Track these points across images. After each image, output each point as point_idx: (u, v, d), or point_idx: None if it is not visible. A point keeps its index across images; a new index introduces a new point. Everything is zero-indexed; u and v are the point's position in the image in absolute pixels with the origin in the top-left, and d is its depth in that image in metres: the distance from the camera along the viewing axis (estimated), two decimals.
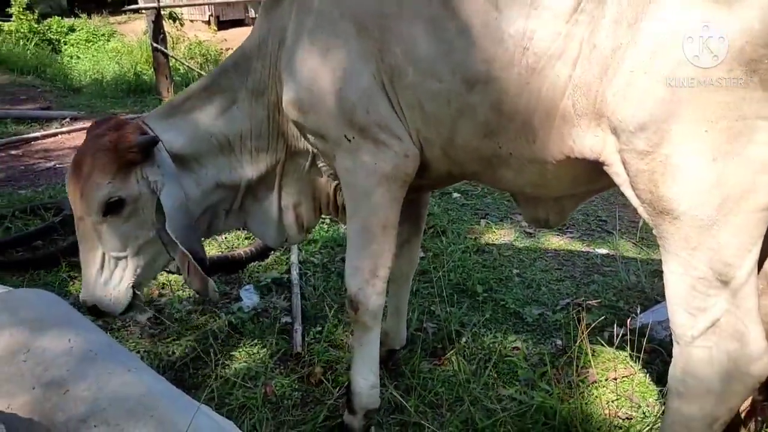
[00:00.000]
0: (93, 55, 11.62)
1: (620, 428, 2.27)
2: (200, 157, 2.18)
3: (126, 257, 2.11)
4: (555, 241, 3.98)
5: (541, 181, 1.84)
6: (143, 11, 7.36)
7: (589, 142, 1.60)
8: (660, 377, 2.51)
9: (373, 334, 2.15)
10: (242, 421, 2.31)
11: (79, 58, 11.65)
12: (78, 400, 1.40)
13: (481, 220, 4.30)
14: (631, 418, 2.34)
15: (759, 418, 1.92)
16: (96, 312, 2.13)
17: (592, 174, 1.72)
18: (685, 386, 1.60)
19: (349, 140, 1.89)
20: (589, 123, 1.58)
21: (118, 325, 2.97)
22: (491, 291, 3.28)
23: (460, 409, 2.37)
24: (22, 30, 11.52)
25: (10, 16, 11.87)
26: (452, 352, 2.66)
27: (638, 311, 2.90)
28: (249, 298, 3.17)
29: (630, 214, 4.25)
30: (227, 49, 10.71)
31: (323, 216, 2.60)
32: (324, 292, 3.24)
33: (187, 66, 8.74)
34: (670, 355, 1.66)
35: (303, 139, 2.16)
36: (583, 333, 2.33)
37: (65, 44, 12.35)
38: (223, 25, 14.32)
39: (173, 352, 2.76)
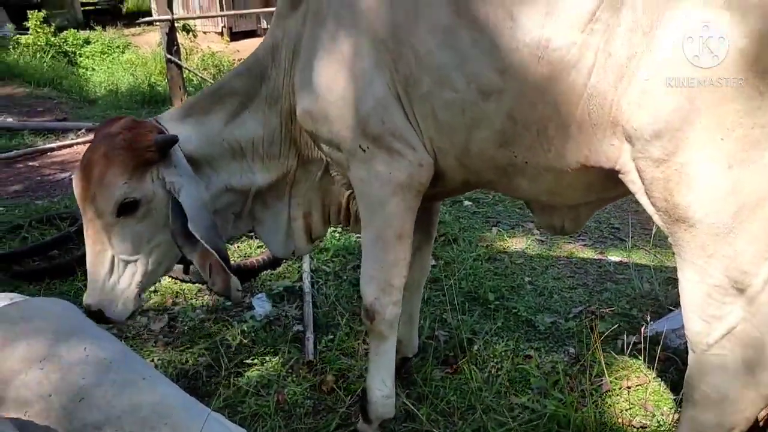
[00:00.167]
0: (108, 67, 11.78)
1: None
2: (212, 160, 2.16)
3: (136, 261, 2.06)
4: (567, 249, 3.96)
5: (556, 189, 1.83)
6: (157, 23, 7.45)
7: (604, 150, 1.60)
8: (674, 386, 2.49)
9: (389, 343, 2.15)
10: (255, 429, 2.31)
11: (94, 69, 11.81)
12: (93, 408, 1.42)
13: (493, 228, 4.29)
14: (646, 427, 2.32)
15: None
16: (99, 317, 2.03)
17: (608, 182, 1.72)
18: (700, 394, 1.59)
19: (364, 150, 1.89)
20: (604, 131, 1.57)
21: (132, 333, 2.99)
22: (503, 299, 3.27)
23: (472, 418, 2.36)
24: (38, 43, 11.69)
25: (28, 29, 12.08)
26: (464, 360, 2.65)
27: (651, 319, 2.88)
28: (261, 306, 3.18)
29: (643, 222, 4.22)
30: (239, 60, 10.79)
31: (333, 226, 2.59)
32: (336, 300, 3.24)
33: (201, 77, 8.83)
34: (684, 364, 1.64)
35: (315, 148, 2.16)
36: (596, 341, 2.32)
37: (81, 56, 12.53)
38: (235, 36, 14.47)
39: (186, 360, 2.78)
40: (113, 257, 2.02)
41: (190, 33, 10.54)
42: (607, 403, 2.44)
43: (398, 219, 1.95)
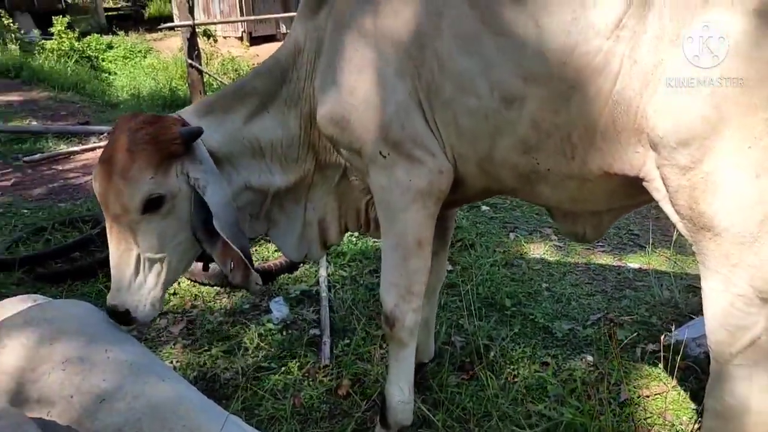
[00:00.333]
0: (130, 72, 11.97)
1: None
2: (232, 157, 2.13)
3: (162, 259, 2.00)
4: (586, 255, 3.93)
5: (579, 196, 1.82)
6: (178, 29, 7.56)
7: (628, 157, 1.59)
8: (694, 395, 2.45)
9: (408, 350, 2.15)
10: None
11: (116, 74, 12.02)
12: (113, 410, 1.44)
13: (510, 234, 4.27)
14: None
15: None
16: (124, 319, 1.95)
17: (631, 189, 1.70)
18: (723, 405, 1.57)
19: (384, 156, 1.89)
20: (629, 139, 1.56)
21: (152, 336, 3.03)
22: (520, 305, 3.25)
23: (488, 425, 2.34)
24: (63, 48, 11.93)
25: (53, 34, 12.32)
26: (480, 366, 2.64)
27: (672, 327, 2.84)
28: (278, 310, 3.20)
29: (663, 228, 4.16)
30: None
31: (349, 233, 2.57)
32: (352, 304, 3.25)
33: (221, 81, 8.93)
34: (705, 373, 1.62)
35: (333, 152, 2.16)
36: (614, 349, 2.29)
37: (103, 61, 12.76)
38: (255, 40, 14.62)
39: (204, 363, 2.80)
40: (139, 256, 1.95)
41: (211, 38, 10.69)
42: (625, 412, 2.41)
43: (418, 226, 1.95)
